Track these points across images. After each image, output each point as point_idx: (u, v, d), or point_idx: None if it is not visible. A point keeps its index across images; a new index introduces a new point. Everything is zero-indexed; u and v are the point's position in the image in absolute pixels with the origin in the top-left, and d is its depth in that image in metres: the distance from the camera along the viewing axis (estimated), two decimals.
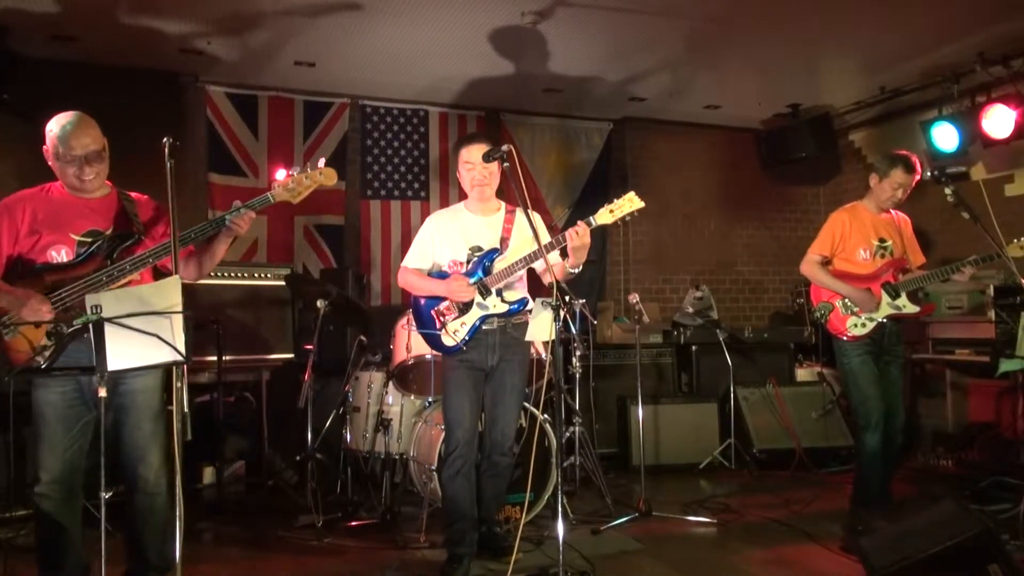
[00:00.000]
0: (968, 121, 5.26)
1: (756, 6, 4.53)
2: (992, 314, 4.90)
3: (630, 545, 3.87)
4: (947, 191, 3.76)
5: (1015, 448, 4.88)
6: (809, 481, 5.03)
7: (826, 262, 4.13)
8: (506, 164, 3.15)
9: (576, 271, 3.38)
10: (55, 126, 2.72)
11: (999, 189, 5.56)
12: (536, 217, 3.49)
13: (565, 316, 3.13)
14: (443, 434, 3.86)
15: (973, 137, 5.27)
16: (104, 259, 2.74)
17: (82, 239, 2.76)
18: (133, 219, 2.84)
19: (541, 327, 3.84)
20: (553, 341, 3.09)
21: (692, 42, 5.09)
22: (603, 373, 5.67)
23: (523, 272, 3.49)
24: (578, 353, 4.78)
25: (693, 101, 6.37)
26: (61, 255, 2.74)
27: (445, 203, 6.21)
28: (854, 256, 4.07)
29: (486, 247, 3.48)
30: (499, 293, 3.43)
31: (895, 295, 3.99)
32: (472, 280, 3.40)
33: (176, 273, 2.43)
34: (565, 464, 4.65)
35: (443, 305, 3.44)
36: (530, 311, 3.54)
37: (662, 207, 6.88)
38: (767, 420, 5.63)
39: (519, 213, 3.60)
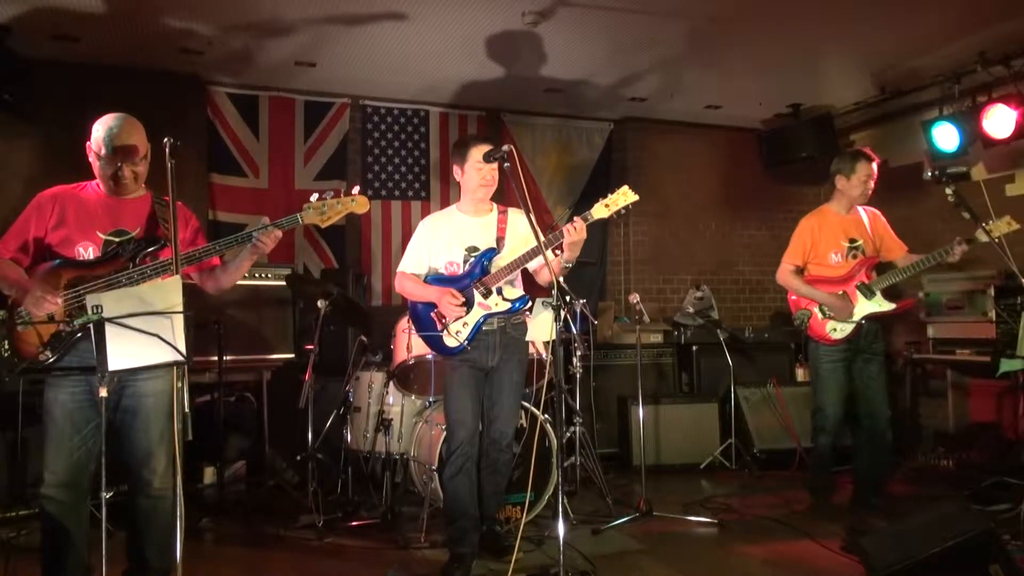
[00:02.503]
0: (969, 121, 5.26)
1: (756, 6, 4.52)
2: (993, 314, 4.90)
3: (631, 545, 3.87)
4: (948, 191, 3.79)
5: (1016, 448, 4.88)
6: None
7: (800, 270, 4.23)
8: (507, 164, 3.15)
9: (570, 265, 3.41)
10: (101, 125, 2.76)
11: (1000, 189, 5.56)
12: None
13: (565, 316, 3.14)
14: (443, 434, 3.88)
15: (974, 137, 5.27)
16: (127, 261, 2.75)
17: (108, 238, 2.79)
18: (163, 224, 2.85)
19: (541, 327, 3.85)
20: (553, 341, 3.09)
21: (692, 42, 5.09)
22: (603, 373, 5.67)
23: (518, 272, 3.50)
24: (579, 353, 4.77)
25: (694, 101, 6.36)
26: (88, 252, 2.76)
27: (446, 203, 6.21)
28: (826, 260, 4.17)
29: (482, 247, 3.51)
30: (499, 291, 3.44)
31: (870, 295, 4.06)
32: (470, 280, 3.42)
33: (177, 273, 2.43)
34: (565, 464, 4.65)
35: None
36: (530, 310, 3.55)
37: (663, 207, 6.88)
38: (768, 420, 5.63)
39: (511, 213, 3.64)
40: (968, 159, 5.51)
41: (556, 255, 3.36)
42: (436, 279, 3.53)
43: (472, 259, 3.49)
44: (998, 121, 5.07)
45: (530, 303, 3.54)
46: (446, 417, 3.54)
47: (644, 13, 4.58)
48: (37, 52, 4.83)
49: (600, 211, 3.30)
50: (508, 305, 3.47)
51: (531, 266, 3.47)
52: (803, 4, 4.49)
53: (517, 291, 3.54)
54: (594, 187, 6.71)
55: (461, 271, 3.50)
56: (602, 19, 4.65)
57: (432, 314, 3.47)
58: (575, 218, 3.26)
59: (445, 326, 3.43)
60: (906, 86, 5.84)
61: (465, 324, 3.43)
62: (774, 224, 7.20)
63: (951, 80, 5.41)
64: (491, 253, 3.49)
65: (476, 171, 3.49)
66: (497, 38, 4.96)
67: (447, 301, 3.38)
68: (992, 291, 4.93)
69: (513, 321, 3.53)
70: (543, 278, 3.54)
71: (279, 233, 2.87)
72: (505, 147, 3.17)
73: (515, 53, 5.22)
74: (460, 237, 3.53)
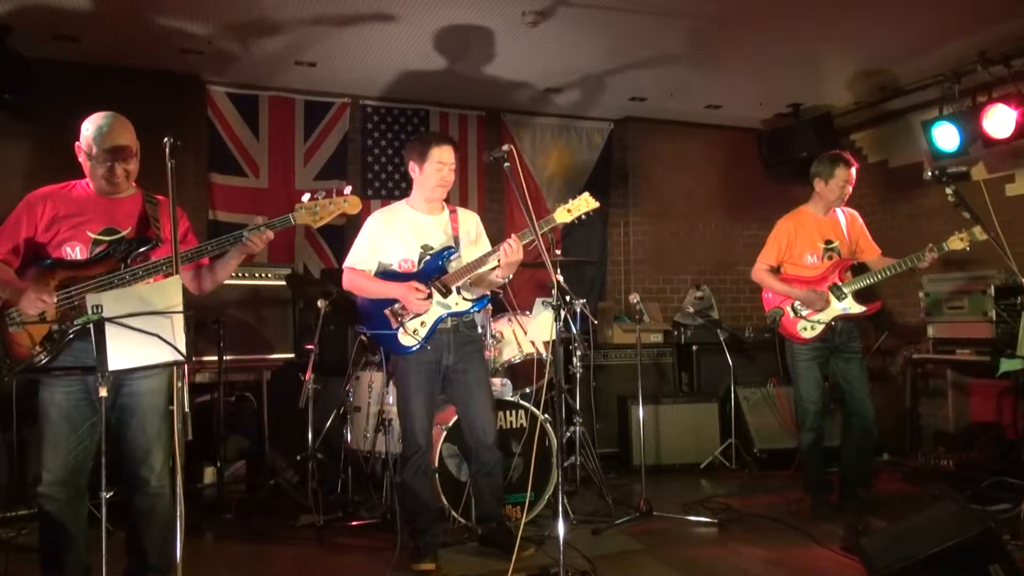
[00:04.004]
0: (969, 121, 5.26)
1: (756, 6, 4.52)
2: (993, 314, 4.90)
3: (631, 545, 3.86)
4: (948, 191, 3.80)
5: (1016, 448, 4.88)
6: None
7: (774, 269, 4.33)
8: (507, 164, 3.16)
9: (506, 280, 3.49)
10: (91, 125, 2.75)
11: (1000, 189, 5.56)
12: (475, 218, 3.70)
13: (565, 316, 3.14)
14: (444, 433, 3.89)
15: (974, 137, 5.27)
16: (118, 262, 2.74)
17: (98, 237, 2.78)
18: (154, 223, 2.84)
19: (541, 327, 3.85)
20: (554, 341, 3.09)
21: (692, 42, 5.08)
22: (603, 373, 5.67)
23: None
24: (579, 353, 4.77)
25: (694, 101, 6.36)
26: (75, 252, 2.75)
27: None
28: (802, 260, 4.27)
29: (436, 246, 3.51)
30: (459, 291, 3.46)
31: (842, 296, 4.14)
32: (427, 278, 3.43)
33: (176, 273, 2.43)
34: (566, 464, 4.64)
35: (398, 304, 3.42)
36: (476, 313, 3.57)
37: (663, 207, 6.88)
38: (768, 420, 5.63)
39: (460, 212, 3.68)
40: (968, 159, 5.52)
41: (497, 266, 3.42)
42: (389, 276, 3.49)
43: (428, 257, 3.49)
44: (998, 121, 5.07)
45: (488, 303, 3.63)
46: (401, 419, 3.55)
47: (644, 13, 4.58)
48: (37, 52, 4.82)
49: (562, 215, 3.37)
50: (468, 304, 3.49)
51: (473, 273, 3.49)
52: (803, 4, 4.49)
53: (476, 292, 3.56)
54: (594, 187, 6.57)
55: (416, 269, 3.49)
56: (602, 19, 4.65)
57: (386, 311, 3.43)
58: (512, 236, 3.29)
59: (401, 323, 3.41)
60: (906, 86, 5.84)
61: (423, 323, 3.42)
62: (774, 224, 7.18)
63: (951, 80, 5.41)
64: (450, 252, 3.50)
65: (435, 171, 3.50)
66: (497, 38, 4.96)
67: (414, 296, 3.35)
68: (992, 291, 4.93)
69: (465, 320, 3.54)
70: (483, 287, 3.59)
71: (270, 234, 2.85)
72: (505, 147, 3.18)
73: (515, 53, 5.22)
74: (415, 234, 3.53)
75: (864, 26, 4.78)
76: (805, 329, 4.18)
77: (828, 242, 4.26)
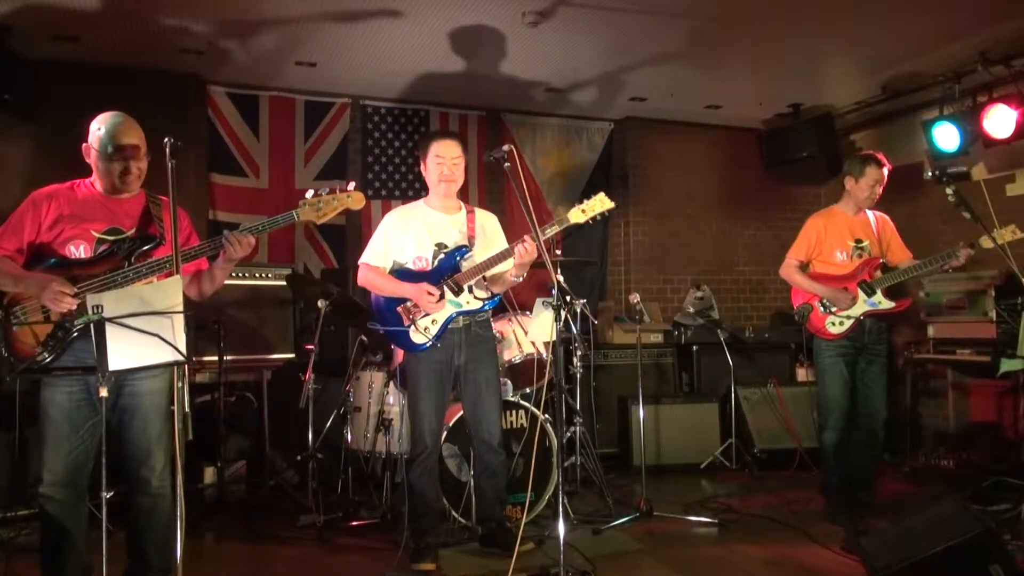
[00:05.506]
0: (969, 121, 5.26)
1: (756, 6, 4.52)
2: (993, 314, 4.90)
3: (631, 545, 3.86)
4: (948, 191, 3.80)
5: (1016, 448, 4.88)
6: (810, 481, 5.01)
7: (803, 266, 4.31)
8: (507, 164, 3.16)
9: (519, 279, 3.50)
10: (102, 124, 2.76)
11: (1000, 189, 5.55)
12: (493, 219, 3.68)
13: (565, 316, 3.14)
14: (444, 433, 3.88)
15: (974, 137, 5.27)
16: (122, 260, 2.75)
17: (102, 236, 2.78)
18: (157, 222, 2.85)
19: (541, 327, 3.86)
20: (554, 341, 3.10)
21: (692, 42, 5.08)
22: (604, 373, 5.67)
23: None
24: (579, 353, 4.77)
25: (694, 101, 6.36)
26: (79, 251, 2.75)
27: None
28: (832, 258, 4.25)
29: (451, 245, 3.52)
30: (470, 289, 3.47)
31: (871, 292, 4.12)
32: (440, 276, 3.44)
33: (177, 272, 2.43)
34: (566, 464, 4.64)
35: (410, 302, 3.44)
36: (532, 309, 3.57)
37: (663, 207, 6.88)
38: (768, 420, 5.63)
39: (479, 212, 3.68)
40: (968, 159, 5.52)
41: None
42: (403, 274, 3.51)
43: (443, 256, 3.50)
44: (998, 121, 5.07)
45: (498, 303, 3.63)
46: (412, 418, 3.56)
47: (644, 13, 4.58)
48: (37, 52, 4.83)
49: (576, 216, 3.36)
50: (480, 304, 3.50)
51: (489, 272, 3.49)
52: (803, 4, 4.49)
53: (487, 291, 3.57)
54: (594, 187, 6.52)
55: (430, 267, 3.50)
56: (602, 19, 4.65)
57: (398, 309, 3.45)
58: (526, 237, 3.28)
59: (413, 322, 3.42)
60: (907, 86, 5.83)
61: (434, 321, 3.44)
62: (774, 224, 7.20)
63: (951, 80, 5.41)
64: (464, 250, 3.50)
65: (436, 165, 3.51)
66: (497, 38, 4.96)
67: (426, 299, 3.37)
68: (993, 291, 4.93)
69: (478, 319, 3.55)
70: (499, 286, 3.59)
71: (252, 239, 2.82)
72: (505, 147, 3.19)
73: (515, 53, 5.22)
74: (430, 232, 3.54)
75: (864, 26, 4.78)
76: (834, 324, 4.14)
77: (858, 241, 4.23)
